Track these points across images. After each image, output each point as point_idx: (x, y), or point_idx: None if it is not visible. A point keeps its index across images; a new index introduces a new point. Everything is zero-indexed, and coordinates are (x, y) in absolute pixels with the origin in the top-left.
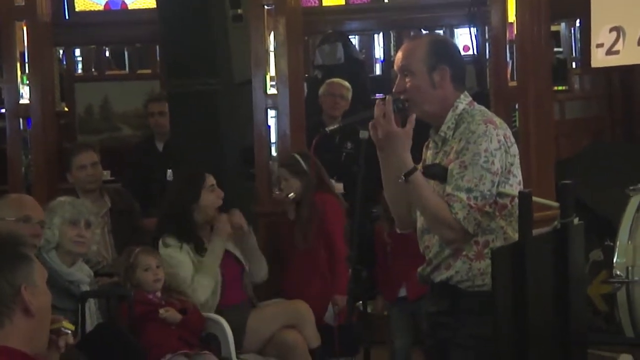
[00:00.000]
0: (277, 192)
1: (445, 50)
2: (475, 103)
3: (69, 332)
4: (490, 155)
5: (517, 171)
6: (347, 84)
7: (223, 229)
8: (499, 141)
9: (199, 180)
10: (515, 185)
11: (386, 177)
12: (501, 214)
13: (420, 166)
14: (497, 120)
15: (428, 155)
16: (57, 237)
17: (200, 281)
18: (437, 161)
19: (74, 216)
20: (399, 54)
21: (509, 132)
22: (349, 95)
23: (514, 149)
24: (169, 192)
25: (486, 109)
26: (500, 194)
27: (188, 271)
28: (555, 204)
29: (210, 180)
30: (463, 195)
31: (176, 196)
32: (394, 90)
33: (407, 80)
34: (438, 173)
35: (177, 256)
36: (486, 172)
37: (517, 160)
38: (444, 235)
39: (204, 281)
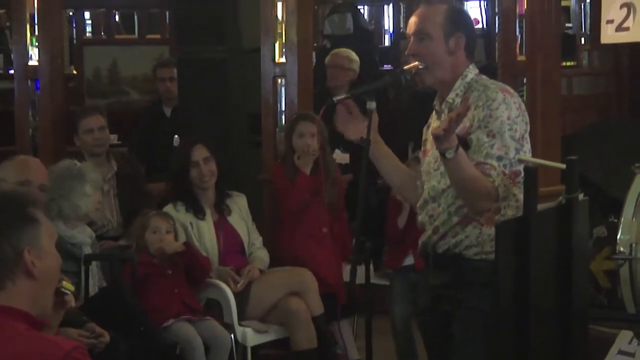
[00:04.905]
0: (306, 146)
1: (462, 18)
2: (482, 75)
3: (68, 292)
4: (513, 123)
5: (529, 139)
6: (352, 55)
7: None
8: (517, 108)
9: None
10: (528, 152)
11: (383, 168)
12: (514, 181)
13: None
14: (510, 88)
15: (434, 126)
16: (91, 206)
17: None
18: None
19: (99, 183)
20: (414, 18)
21: (520, 100)
22: (354, 65)
23: (527, 116)
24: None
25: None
26: (518, 161)
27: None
28: (562, 165)
29: (199, 153)
30: (495, 163)
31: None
32: (406, 52)
33: (422, 44)
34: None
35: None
36: (512, 140)
37: (528, 128)
38: (479, 206)
39: None
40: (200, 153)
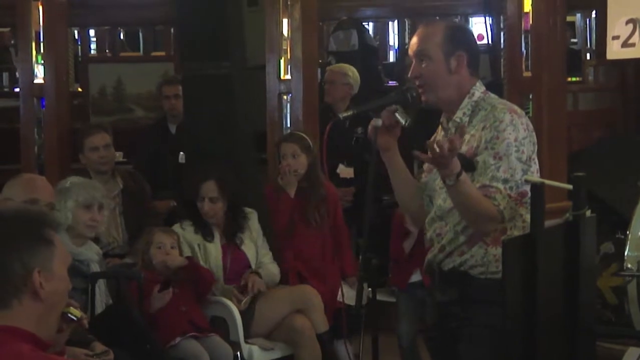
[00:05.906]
0: (285, 167)
1: (462, 35)
2: (489, 92)
3: (75, 318)
4: (520, 144)
5: (536, 159)
6: (347, 69)
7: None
8: (524, 130)
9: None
10: (535, 172)
11: (395, 179)
12: (521, 202)
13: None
14: (517, 108)
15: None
16: (70, 220)
17: None
18: None
19: (88, 200)
20: (415, 39)
21: (528, 120)
22: (349, 80)
23: (534, 137)
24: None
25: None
26: (525, 181)
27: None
28: (568, 186)
29: (207, 191)
30: (500, 186)
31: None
32: (409, 75)
33: (423, 65)
34: (463, 163)
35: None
36: (518, 162)
37: (536, 148)
38: (483, 229)
39: None
40: (208, 190)
